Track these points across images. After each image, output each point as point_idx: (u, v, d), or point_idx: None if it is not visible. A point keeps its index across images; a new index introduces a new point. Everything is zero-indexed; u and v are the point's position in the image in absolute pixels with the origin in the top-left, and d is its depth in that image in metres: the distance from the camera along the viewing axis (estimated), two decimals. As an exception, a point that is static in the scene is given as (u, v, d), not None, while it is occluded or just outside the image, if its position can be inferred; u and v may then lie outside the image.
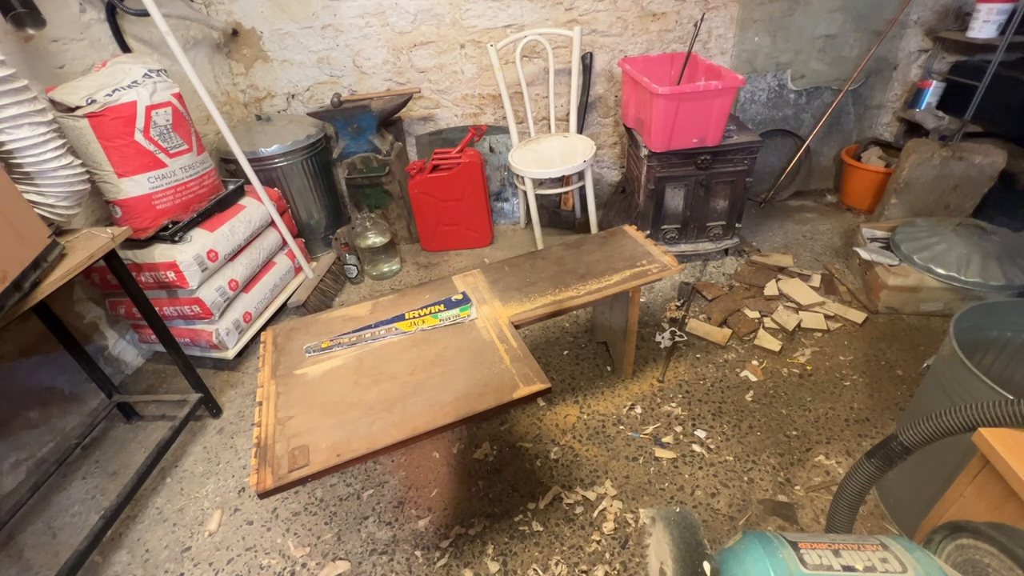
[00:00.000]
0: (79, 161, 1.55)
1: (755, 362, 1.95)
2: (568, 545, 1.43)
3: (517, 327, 1.42)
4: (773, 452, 1.63)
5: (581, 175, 2.53)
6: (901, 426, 0.89)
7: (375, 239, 2.62)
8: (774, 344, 2.00)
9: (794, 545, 0.62)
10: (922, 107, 2.69)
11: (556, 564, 1.39)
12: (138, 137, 1.80)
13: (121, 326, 2.18)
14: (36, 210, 1.41)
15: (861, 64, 2.64)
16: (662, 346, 2.04)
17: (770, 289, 2.26)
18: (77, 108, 1.70)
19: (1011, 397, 0.81)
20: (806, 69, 2.74)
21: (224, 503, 1.65)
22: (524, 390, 1.18)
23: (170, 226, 1.92)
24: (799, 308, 2.17)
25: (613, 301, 1.81)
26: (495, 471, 1.66)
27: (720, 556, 0.66)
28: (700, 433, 1.70)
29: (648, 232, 2.43)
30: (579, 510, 1.52)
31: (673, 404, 1.81)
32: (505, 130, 2.85)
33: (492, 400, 1.17)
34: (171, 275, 1.89)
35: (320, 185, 2.76)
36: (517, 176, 2.67)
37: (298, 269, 2.54)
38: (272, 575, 1.45)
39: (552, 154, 2.51)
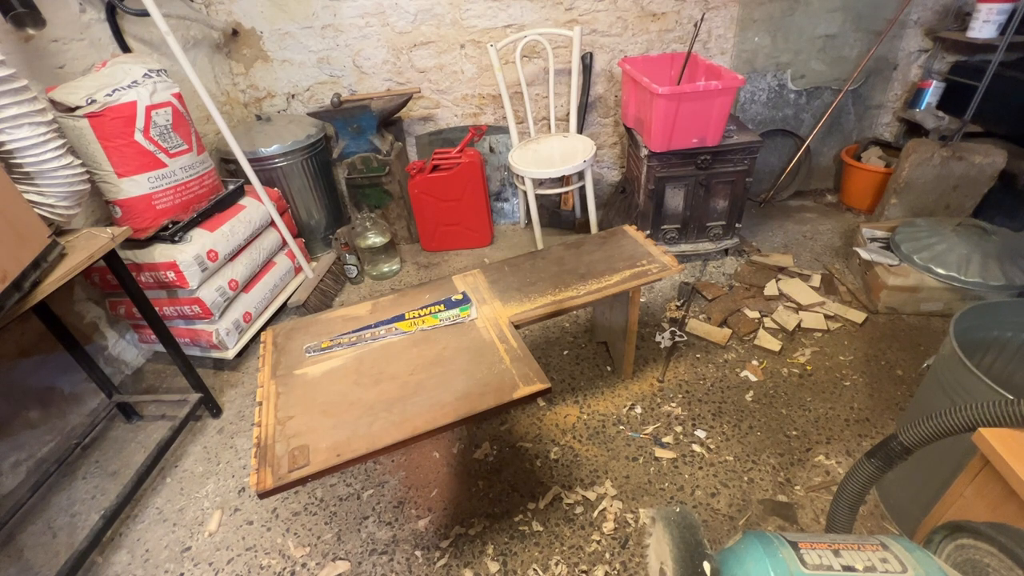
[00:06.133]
0: (79, 161, 1.55)
1: (755, 362, 1.95)
2: (568, 545, 1.43)
3: (517, 327, 1.42)
4: (773, 452, 1.63)
5: (581, 175, 2.53)
6: (901, 426, 0.89)
7: (375, 239, 2.62)
8: (774, 344, 2.00)
9: (794, 545, 0.62)
10: (922, 107, 2.69)
11: (556, 564, 1.39)
12: (138, 137, 1.80)
13: (121, 326, 2.18)
14: (36, 210, 1.41)
15: (861, 64, 2.64)
16: (662, 346, 2.04)
17: (770, 289, 2.26)
18: (77, 108, 1.70)
19: (1011, 397, 0.81)
20: (806, 69, 2.74)
21: (224, 503, 1.65)
22: (524, 390, 1.18)
23: (170, 226, 1.92)
24: (799, 308, 2.17)
25: (613, 301, 1.81)
26: (495, 471, 1.66)
27: (720, 556, 0.66)
28: (700, 433, 1.70)
29: (648, 232, 2.43)
30: (579, 510, 1.52)
31: (673, 404, 1.81)
32: (505, 130, 2.85)
33: (492, 400, 1.17)
34: (171, 275, 1.89)
35: (320, 185, 2.76)
36: (517, 176, 2.67)
37: (298, 269, 2.54)
38: (272, 575, 1.45)
39: (552, 154, 2.51)
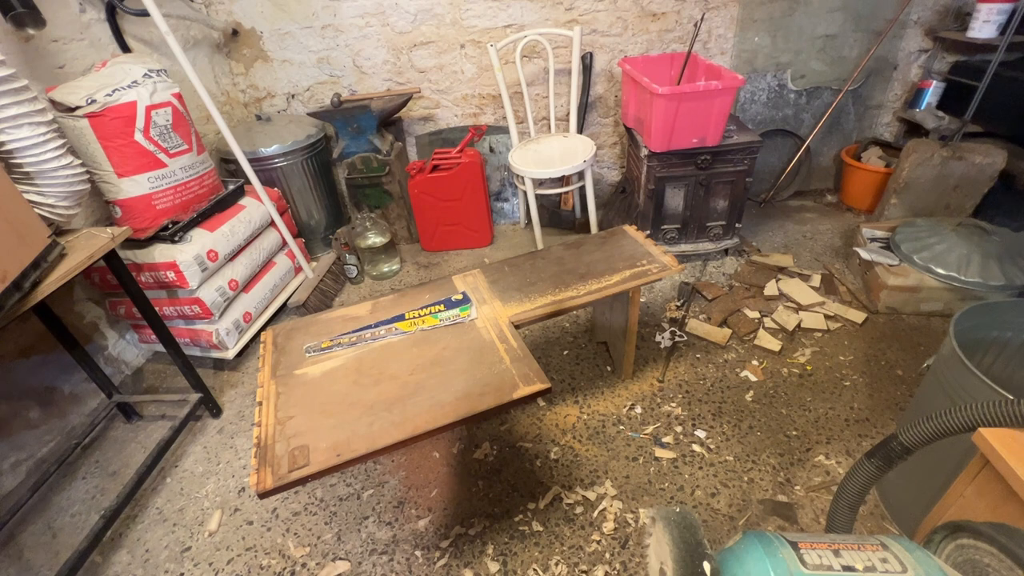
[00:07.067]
0: (79, 161, 1.55)
1: (755, 362, 1.95)
2: (568, 545, 1.43)
3: (517, 327, 1.42)
4: (773, 452, 1.63)
5: (581, 175, 2.53)
6: (901, 426, 0.89)
7: (375, 239, 2.62)
8: (774, 344, 2.00)
9: (794, 545, 0.62)
10: (922, 107, 2.69)
11: (556, 564, 1.39)
12: (138, 137, 1.80)
13: (121, 326, 2.18)
14: (36, 210, 1.41)
15: (861, 64, 2.64)
16: (662, 346, 2.04)
17: (770, 289, 2.26)
18: (77, 108, 1.70)
19: (1011, 397, 0.81)
20: (806, 69, 2.74)
21: (224, 503, 1.65)
22: (524, 390, 1.18)
23: (170, 226, 1.92)
24: (799, 308, 2.17)
25: (613, 301, 1.81)
26: (495, 471, 1.66)
27: (720, 556, 0.66)
28: (700, 433, 1.70)
29: (648, 232, 2.43)
30: (579, 510, 1.52)
31: (673, 404, 1.81)
32: (505, 130, 2.85)
33: (492, 400, 1.16)
34: (171, 275, 1.89)
35: (320, 185, 2.76)
36: (517, 176, 2.67)
37: (298, 269, 2.54)
38: (272, 575, 1.45)
39: (552, 154, 2.51)
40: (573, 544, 1.43)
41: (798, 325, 2.08)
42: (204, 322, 2.05)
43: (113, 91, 1.73)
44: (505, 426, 1.81)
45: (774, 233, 2.71)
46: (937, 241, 2.05)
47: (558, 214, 2.90)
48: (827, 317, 2.11)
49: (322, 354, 1.38)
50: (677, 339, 2.05)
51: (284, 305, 2.42)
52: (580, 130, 2.75)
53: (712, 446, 1.66)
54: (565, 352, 2.10)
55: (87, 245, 1.48)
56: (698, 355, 2.01)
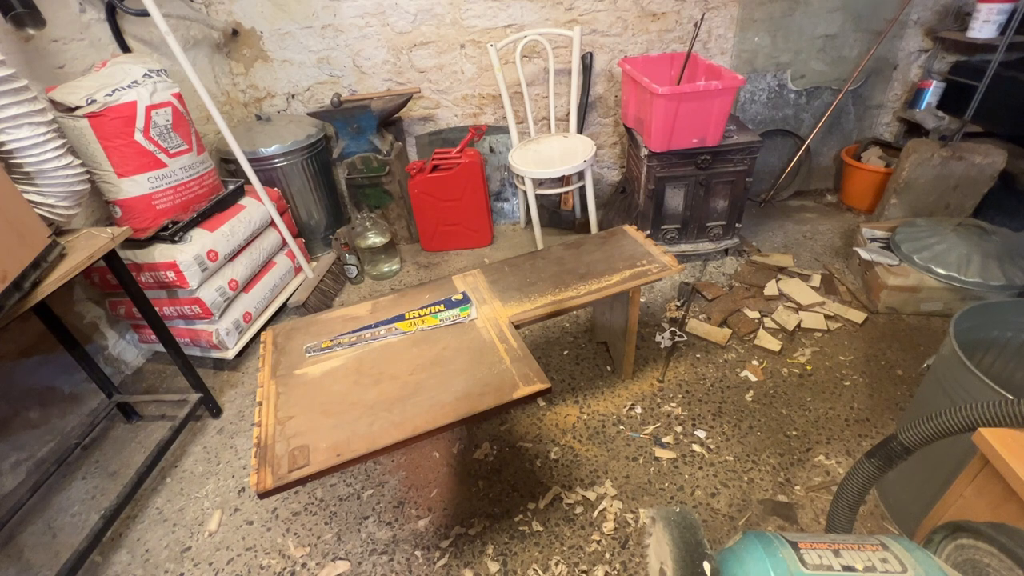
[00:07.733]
0: (79, 161, 1.55)
1: (755, 362, 1.95)
2: (568, 545, 1.43)
3: (517, 327, 1.42)
4: (773, 452, 1.63)
5: (581, 175, 2.53)
6: (901, 426, 0.89)
7: (375, 239, 2.62)
8: (774, 344, 2.00)
9: (794, 545, 0.62)
10: (922, 107, 2.69)
11: (556, 564, 1.39)
12: (138, 137, 1.80)
13: (121, 326, 2.18)
14: (36, 210, 1.41)
15: (861, 64, 2.64)
16: (662, 346, 2.04)
17: (770, 289, 2.26)
18: (77, 108, 1.70)
19: (1011, 397, 0.81)
20: (806, 69, 2.74)
21: (224, 503, 1.65)
22: (524, 390, 1.18)
23: (170, 226, 1.92)
24: (799, 308, 2.17)
25: (613, 301, 1.81)
26: (495, 471, 1.66)
27: (720, 556, 0.66)
28: (700, 433, 1.70)
29: (648, 232, 2.42)
30: (579, 510, 1.52)
31: (673, 404, 1.81)
32: (505, 130, 2.85)
33: (492, 400, 1.17)
34: (171, 275, 1.89)
35: (320, 185, 2.76)
36: (517, 176, 2.67)
37: (298, 269, 2.54)
38: (272, 575, 1.45)
39: (552, 154, 2.51)
40: (573, 544, 1.43)
41: (798, 325, 2.08)
42: (204, 322, 2.05)
43: (113, 91, 1.73)
44: (505, 426, 1.81)
45: (774, 233, 2.71)
46: (937, 241, 2.05)
47: (558, 214, 2.90)
48: (827, 317, 2.11)
49: (322, 354, 1.38)
50: (677, 339, 2.05)
51: (284, 305, 2.42)
52: (580, 130, 2.75)
53: (712, 446, 1.66)
54: (565, 352, 2.10)
55: (87, 245, 1.48)
56: (698, 355, 2.01)
